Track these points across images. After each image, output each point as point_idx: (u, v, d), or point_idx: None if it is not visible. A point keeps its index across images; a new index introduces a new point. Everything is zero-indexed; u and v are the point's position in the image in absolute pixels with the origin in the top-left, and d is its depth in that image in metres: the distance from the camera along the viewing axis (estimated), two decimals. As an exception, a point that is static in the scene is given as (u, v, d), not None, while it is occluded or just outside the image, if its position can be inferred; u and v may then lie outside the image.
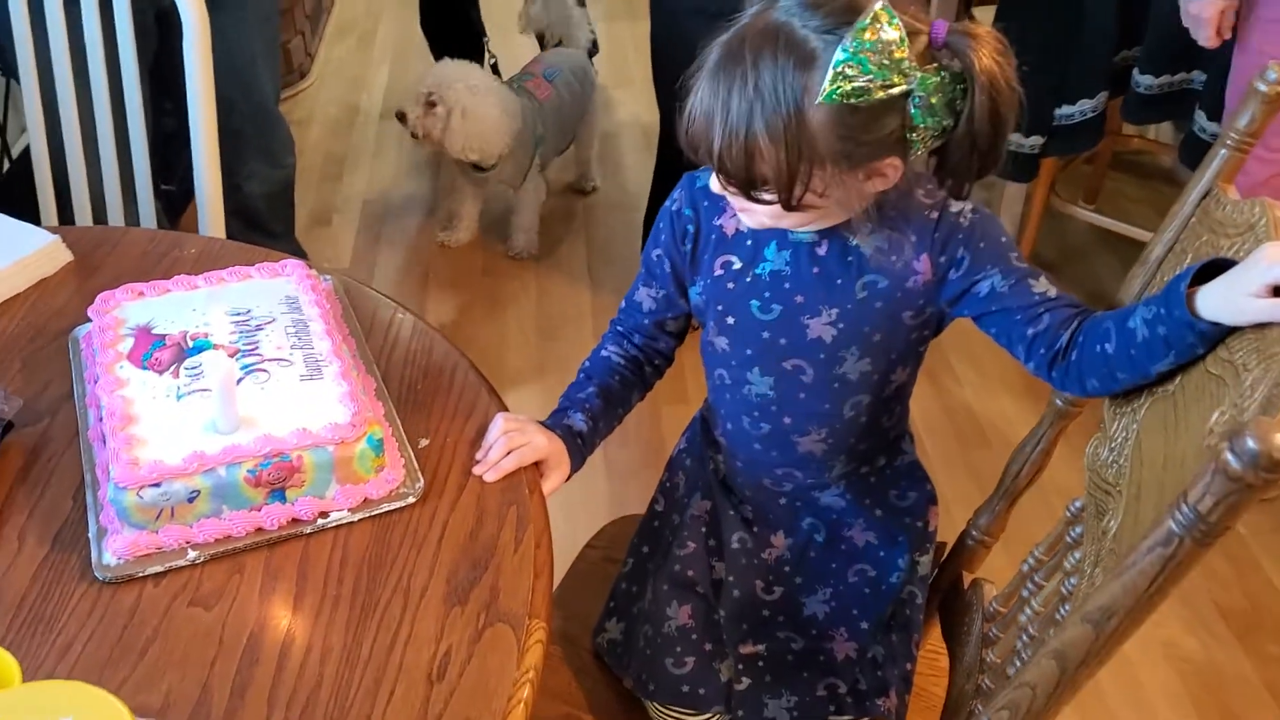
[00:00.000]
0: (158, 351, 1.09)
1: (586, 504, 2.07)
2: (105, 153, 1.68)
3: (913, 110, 0.92)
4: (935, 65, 0.92)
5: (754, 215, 1.04)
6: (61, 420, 1.12)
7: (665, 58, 2.18)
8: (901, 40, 0.89)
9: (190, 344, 1.10)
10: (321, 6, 3.91)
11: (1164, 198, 3.09)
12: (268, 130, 2.24)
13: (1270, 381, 0.79)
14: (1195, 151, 2.22)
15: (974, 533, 1.25)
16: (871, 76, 0.89)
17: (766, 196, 0.97)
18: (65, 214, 1.74)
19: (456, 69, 2.63)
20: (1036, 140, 2.43)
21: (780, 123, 0.92)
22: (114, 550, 0.97)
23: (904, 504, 1.24)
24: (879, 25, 0.89)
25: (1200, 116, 2.20)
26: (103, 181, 1.70)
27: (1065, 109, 2.37)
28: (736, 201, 1.03)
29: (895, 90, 0.90)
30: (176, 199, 2.51)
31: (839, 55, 0.89)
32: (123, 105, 1.65)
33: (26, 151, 2.73)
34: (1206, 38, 1.93)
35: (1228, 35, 1.93)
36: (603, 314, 2.62)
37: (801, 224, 1.04)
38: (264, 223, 2.34)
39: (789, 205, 0.96)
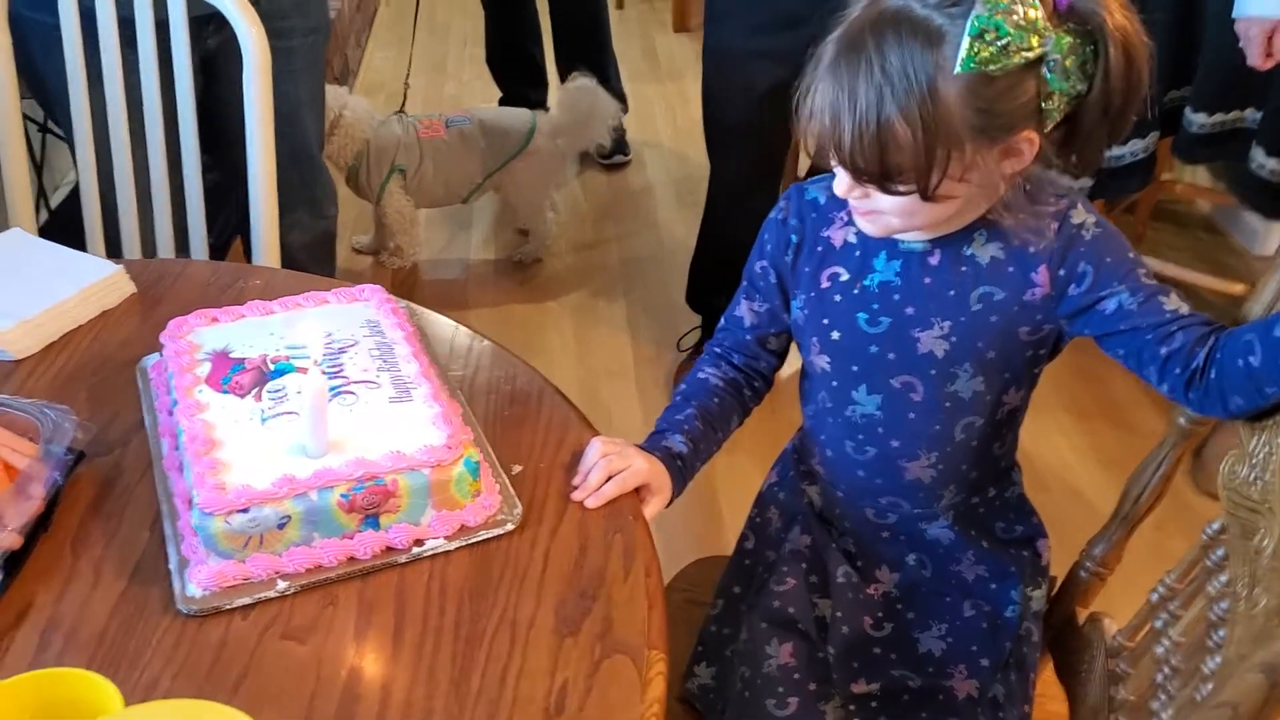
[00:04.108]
0: (237, 375, 1.04)
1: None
2: (158, 196, 1.64)
3: (1048, 75, 0.89)
4: (1066, 27, 0.89)
5: (879, 219, 0.99)
6: (133, 451, 1.06)
7: (718, 100, 2.14)
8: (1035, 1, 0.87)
9: (271, 367, 1.05)
10: (349, 67, 3.92)
11: (1205, 246, 3.05)
12: (311, 179, 2.20)
13: None
14: (1256, 189, 2.19)
15: (1088, 564, 1.18)
16: (1009, 39, 0.87)
17: (902, 188, 0.92)
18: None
19: None
20: (1086, 182, 2.39)
21: (915, 104, 0.88)
22: (199, 581, 0.91)
23: (1011, 536, 1.18)
24: None
25: (1259, 153, 2.17)
26: (154, 227, 1.66)
27: (1116, 150, 2.34)
28: (862, 204, 0.98)
29: (1032, 53, 0.88)
30: (214, 252, 2.47)
31: (974, 22, 0.86)
32: (177, 147, 1.61)
33: (64, 203, 2.71)
34: (1254, 55, 1.90)
35: (1279, 56, 1.89)
36: (645, 366, 2.57)
37: (932, 222, 0.99)
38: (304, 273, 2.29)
39: (926, 194, 0.92)
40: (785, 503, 1.22)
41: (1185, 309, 1.00)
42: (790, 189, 1.13)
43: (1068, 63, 0.89)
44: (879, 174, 0.92)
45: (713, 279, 2.39)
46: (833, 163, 0.97)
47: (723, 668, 1.18)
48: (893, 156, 0.90)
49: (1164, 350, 0.99)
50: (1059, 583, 1.22)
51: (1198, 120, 2.26)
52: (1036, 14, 0.87)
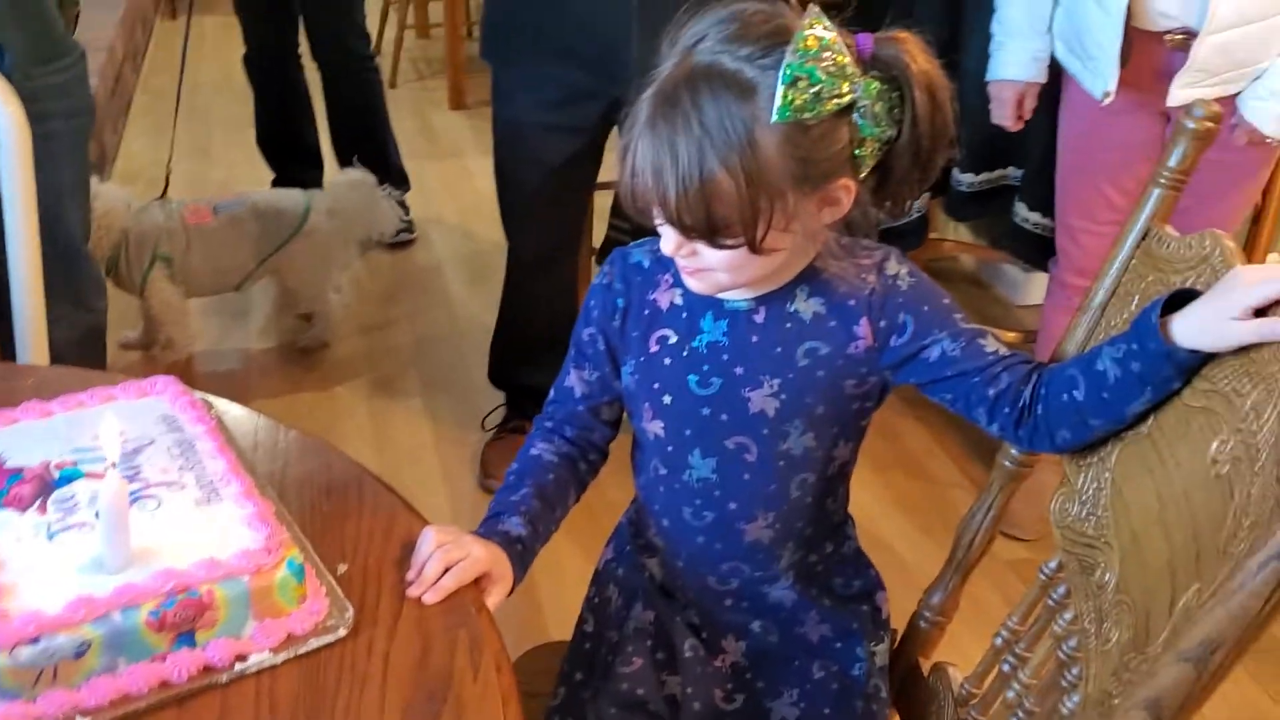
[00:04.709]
0: (15, 486, 0.92)
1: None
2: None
3: (859, 121, 0.90)
4: (872, 74, 0.91)
5: (708, 277, 0.97)
6: (-112, 583, 0.92)
7: (512, 175, 2.11)
8: (840, 46, 0.89)
9: (56, 474, 0.93)
10: (105, 154, 3.70)
11: (971, 299, 3.20)
12: (76, 271, 2.04)
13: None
14: (1022, 241, 2.32)
15: (927, 614, 1.19)
16: (821, 85, 0.88)
17: (730, 241, 0.92)
18: None
19: None
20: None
21: (736, 155, 0.88)
22: (-20, 730, 0.78)
23: (850, 591, 1.18)
24: (817, 31, 0.89)
25: (1021, 208, 2.31)
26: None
27: (893, 211, 2.44)
28: (690, 263, 0.97)
29: (844, 99, 0.89)
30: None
31: (786, 70, 0.87)
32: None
33: None
34: (1004, 117, 2.00)
35: (1028, 116, 2.00)
36: (448, 448, 2.48)
37: (759, 276, 0.99)
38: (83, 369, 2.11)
39: (754, 246, 0.91)
40: (624, 579, 1.18)
41: (1004, 349, 1.03)
42: (614, 253, 1.10)
43: (877, 108, 0.90)
44: (706, 229, 0.91)
45: (516, 354, 2.34)
46: (658, 221, 0.95)
47: (569, 760, 1.12)
48: (718, 209, 0.90)
49: (991, 391, 1.01)
50: (899, 635, 1.22)
51: (966, 180, 2.40)
52: (845, 59, 0.89)
